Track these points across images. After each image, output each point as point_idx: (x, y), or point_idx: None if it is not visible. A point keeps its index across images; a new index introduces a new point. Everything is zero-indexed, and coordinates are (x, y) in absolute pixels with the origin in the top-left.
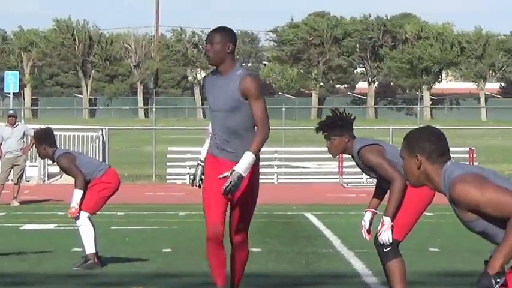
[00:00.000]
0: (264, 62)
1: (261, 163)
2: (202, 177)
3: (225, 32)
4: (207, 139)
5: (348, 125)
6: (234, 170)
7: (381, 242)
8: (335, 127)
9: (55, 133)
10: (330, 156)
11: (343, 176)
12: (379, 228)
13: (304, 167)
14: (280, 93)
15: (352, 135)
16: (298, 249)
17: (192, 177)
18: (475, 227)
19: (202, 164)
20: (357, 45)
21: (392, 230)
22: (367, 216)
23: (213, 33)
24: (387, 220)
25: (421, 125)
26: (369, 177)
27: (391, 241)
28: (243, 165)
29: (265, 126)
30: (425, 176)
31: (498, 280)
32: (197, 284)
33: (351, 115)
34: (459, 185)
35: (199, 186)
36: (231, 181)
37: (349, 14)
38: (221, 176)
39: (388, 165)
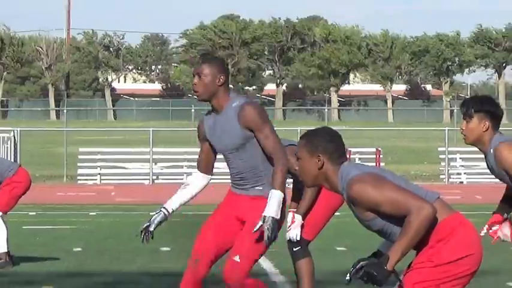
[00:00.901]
0: (174, 64)
1: (170, 164)
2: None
3: (214, 62)
4: (180, 190)
5: None
6: (265, 216)
7: (288, 238)
8: None
9: None
10: None
11: None
12: (288, 225)
13: (216, 168)
14: (189, 95)
15: None
16: None
17: (147, 223)
18: (373, 226)
19: (165, 212)
20: (266, 47)
21: (302, 229)
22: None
23: (201, 64)
24: (298, 218)
25: (319, 126)
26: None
27: (298, 238)
28: (272, 207)
29: (280, 156)
30: (324, 176)
31: (397, 277)
32: (107, 283)
33: None
34: (357, 185)
35: (151, 236)
36: (267, 228)
37: (259, 16)
38: (255, 230)
39: None
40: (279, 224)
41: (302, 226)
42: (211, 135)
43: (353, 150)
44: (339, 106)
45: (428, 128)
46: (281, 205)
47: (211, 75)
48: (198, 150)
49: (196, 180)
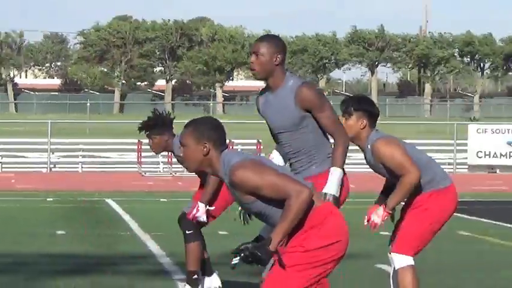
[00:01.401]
0: (72, 61)
1: (66, 153)
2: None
3: (272, 41)
4: None
5: (168, 124)
6: (325, 194)
7: (191, 218)
8: (156, 126)
9: None
10: (130, 147)
11: (142, 166)
12: (193, 213)
13: (106, 157)
14: (85, 89)
15: (172, 134)
16: (100, 232)
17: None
18: (253, 208)
19: None
20: (157, 47)
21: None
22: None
23: (259, 42)
24: (201, 205)
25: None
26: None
27: (205, 220)
28: (332, 185)
29: (342, 135)
30: (208, 163)
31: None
32: (8, 264)
33: (170, 114)
34: (239, 170)
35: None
36: None
37: (151, 17)
38: None
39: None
40: (339, 201)
41: (207, 212)
42: (265, 113)
43: (236, 141)
44: (223, 101)
45: None
46: (340, 183)
47: (269, 54)
48: (93, 141)
49: (277, 153)
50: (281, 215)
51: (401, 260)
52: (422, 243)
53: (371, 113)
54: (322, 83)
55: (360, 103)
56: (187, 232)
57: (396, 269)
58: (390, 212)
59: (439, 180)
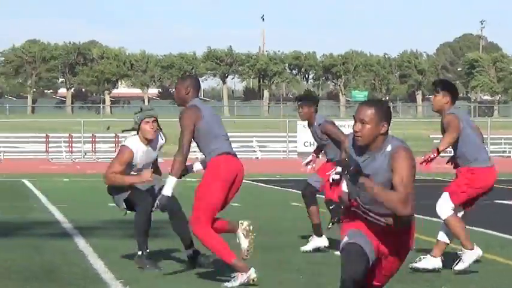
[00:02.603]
0: None
1: None
2: None
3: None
4: None
5: (316, 101)
6: None
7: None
8: (308, 99)
9: None
10: (40, 140)
11: (49, 154)
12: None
13: (22, 147)
14: (5, 96)
15: (316, 110)
16: (16, 204)
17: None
18: (372, 190)
19: None
20: (59, 63)
21: None
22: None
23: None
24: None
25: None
26: (68, 155)
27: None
28: None
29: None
30: (379, 139)
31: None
32: None
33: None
34: (405, 152)
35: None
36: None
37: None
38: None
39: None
40: None
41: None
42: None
43: (120, 135)
44: (111, 104)
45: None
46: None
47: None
48: (12, 135)
49: None
50: (388, 191)
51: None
52: None
53: (453, 93)
54: None
55: (444, 84)
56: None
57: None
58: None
59: None
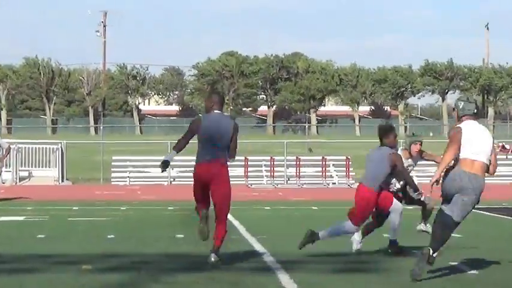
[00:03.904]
0: (188, 90)
1: (184, 169)
2: None
3: None
4: None
5: None
6: None
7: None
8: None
9: (26, 146)
10: (239, 163)
11: (248, 179)
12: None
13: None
14: (199, 114)
15: None
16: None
17: None
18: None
19: None
20: (260, 78)
21: None
22: None
23: None
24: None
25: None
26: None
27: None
28: None
29: None
30: None
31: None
32: (134, 263)
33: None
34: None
35: None
36: None
37: (254, 52)
38: None
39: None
40: None
41: None
42: None
43: (328, 157)
44: (317, 123)
45: None
46: None
47: None
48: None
49: None
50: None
51: None
52: None
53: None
54: (401, 108)
55: None
56: None
57: None
58: None
59: None
